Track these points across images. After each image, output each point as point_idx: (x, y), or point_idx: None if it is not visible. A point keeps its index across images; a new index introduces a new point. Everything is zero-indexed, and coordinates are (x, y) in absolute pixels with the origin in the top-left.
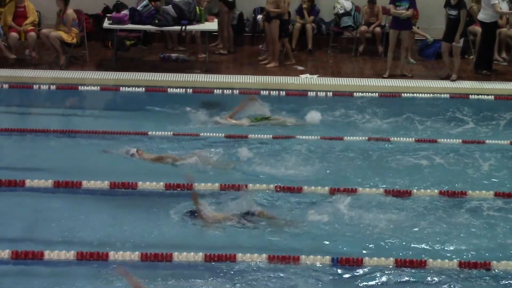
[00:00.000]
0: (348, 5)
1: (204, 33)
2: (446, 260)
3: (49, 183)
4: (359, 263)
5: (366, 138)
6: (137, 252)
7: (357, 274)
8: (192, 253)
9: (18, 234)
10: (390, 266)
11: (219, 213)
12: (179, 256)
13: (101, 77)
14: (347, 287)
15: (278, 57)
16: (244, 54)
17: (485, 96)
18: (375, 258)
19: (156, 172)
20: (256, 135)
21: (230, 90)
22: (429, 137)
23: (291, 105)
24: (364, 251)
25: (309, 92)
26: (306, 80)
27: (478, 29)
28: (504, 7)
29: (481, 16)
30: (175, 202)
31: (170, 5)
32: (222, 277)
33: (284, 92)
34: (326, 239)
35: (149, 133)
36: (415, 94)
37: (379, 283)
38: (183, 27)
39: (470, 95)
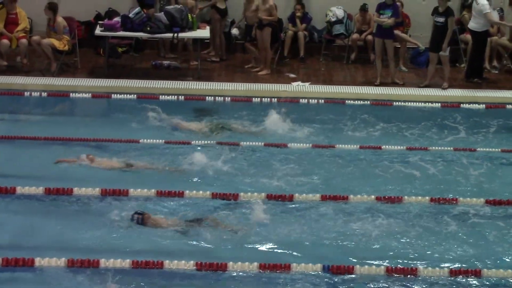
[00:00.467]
0: (340, 13)
1: (196, 40)
2: (437, 268)
3: (40, 190)
4: (350, 271)
5: (358, 146)
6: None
7: (348, 281)
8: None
9: None
10: (381, 274)
11: (163, 219)
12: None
13: (92, 84)
14: None
15: (270, 64)
16: (236, 62)
17: (477, 104)
18: (366, 267)
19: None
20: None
21: (222, 98)
22: (421, 145)
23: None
24: (353, 259)
25: (301, 100)
26: (298, 87)
27: (469, 37)
28: (495, 16)
29: (472, 25)
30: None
31: (162, 12)
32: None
33: (275, 99)
34: (315, 246)
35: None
36: (406, 102)
37: None
38: (175, 35)
39: (462, 104)
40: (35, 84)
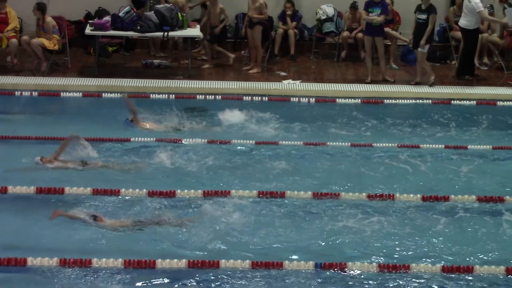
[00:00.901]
0: (330, 11)
1: (186, 39)
2: (429, 265)
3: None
4: (342, 268)
5: (349, 144)
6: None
7: (340, 278)
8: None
9: None
10: (373, 271)
11: (118, 220)
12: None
13: (83, 84)
14: None
15: (260, 63)
16: (226, 60)
17: (467, 101)
18: (358, 263)
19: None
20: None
21: (213, 96)
22: (412, 142)
23: (269, 110)
24: (346, 256)
25: (291, 98)
26: (289, 85)
27: (459, 34)
28: (485, 13)
29: (463, 23)
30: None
31: (152, 11)
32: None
33: (266, 97)
34: (306, 244)
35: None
36: (397, 100)
37: None
38: (165, 33)
39: (452, 100)
40: (25, 83)
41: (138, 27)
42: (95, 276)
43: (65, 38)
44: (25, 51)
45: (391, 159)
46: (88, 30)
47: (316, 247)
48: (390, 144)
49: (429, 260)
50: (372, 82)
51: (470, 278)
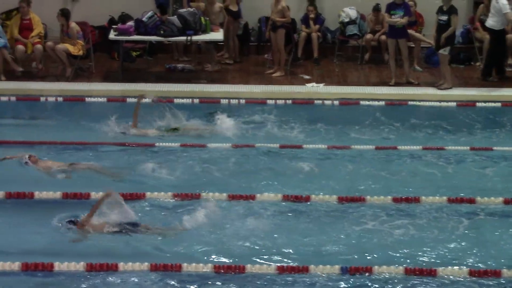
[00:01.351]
0: (353, 14)
1: (209, 43)
2: (456, 268)
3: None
4: (368, 272)
5: (373, 146)
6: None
7: (366, 282)
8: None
9: None
10: (400, 274)
11: (101, 223)
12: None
13: (107, 88)
14: None
15: (284, 66)
16: (250, 64)
17: (492, 103)
18: (385, 267)
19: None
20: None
21: (237, 100)
22: (436, 144)
23: (293, 113)
24: (372, 260)
25: (315, 101)
26: (312, 88)
27: (483, 35)
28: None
29: (490, 23)
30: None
31: (175, 16)
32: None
33: (290, 101)
34: (332, 248)
35: None
36: (421, 102)
37: None
38: (189, 38)
39: (477, 102)
40: (50, 89)
41: (162, 32)
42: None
43: (89, 43)
44: (49, 57)
45: (416, 161)
46: (112, 35)
47: (342, 251)
48: (414, 147)
49: (456, 264)
50: (396, 84)
51: (497, 282)
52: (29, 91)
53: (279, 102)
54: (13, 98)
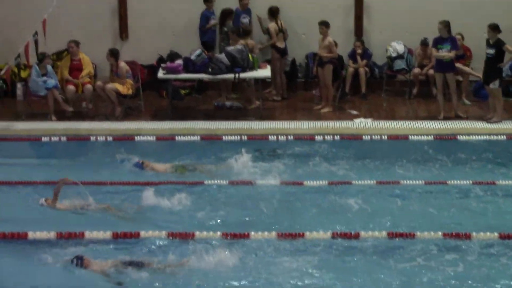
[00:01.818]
0: (401, 48)
1: (257, 80)
2: None
3: None
4: None
5: (423, 182)
6: None
7: None
8: None
9: None
10: None
11: (105, 261)
12: None
13: (157, 127)
14: None
15: (332, 101)
16: (297, 100)
17: None
18: None
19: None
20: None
21: (285, 136)
22: (487, 179)
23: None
24: None
25: (363, 136)
26: (360, 124)
27: None
28: None
29: None
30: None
31: (223, 53)
32: None
33: (338, 136)
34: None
35: None
36: (471, 136)
37: None
38: (237, 75)
39: None
40: (100, 128)
41: (210, 70)
42: None
43: (139, 82)
44: (99, 96)
45: (466, 196)
46: (160, 74)
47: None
48: (464, 181)
49: None
50: (445, 118)
51: None
52: (79, 130)
53: (327, 137)
54: (63, 138)
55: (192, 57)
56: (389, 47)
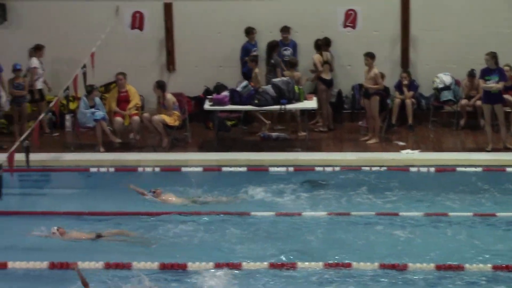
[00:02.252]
0: (448, 80)
1: (303, 111)
2: None
3: None
4: None
5: (472, 213)
6: None
7: None
8: None
9: None
10: None
11: None
12: None
13: (203, 158)
14: None
15: (378, 133)
16: (344, 131)
17: None
18: None
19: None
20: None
21: (331, 167)
22: None
23: (388, 180)
24: None
25: (410, 168)
26: (407, 155)
27: None
28: None
29: None
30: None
31: (270, 85)
32: None
33: (385, 167)
34: None
35: None
36: None
37: None
38: (283, 106)
39: None
40: (147, 159)
41: (256, 101)
42: None
43: (185, 113)
44: (146, 128)
45: None
46: (207, 105)
47: None
48: None
49: None
50: (493, 150)
51: None
52: (127, 162)
53: (374, 169)
54: (111, 169)
55: (239, 89)
56: (436, 79)
